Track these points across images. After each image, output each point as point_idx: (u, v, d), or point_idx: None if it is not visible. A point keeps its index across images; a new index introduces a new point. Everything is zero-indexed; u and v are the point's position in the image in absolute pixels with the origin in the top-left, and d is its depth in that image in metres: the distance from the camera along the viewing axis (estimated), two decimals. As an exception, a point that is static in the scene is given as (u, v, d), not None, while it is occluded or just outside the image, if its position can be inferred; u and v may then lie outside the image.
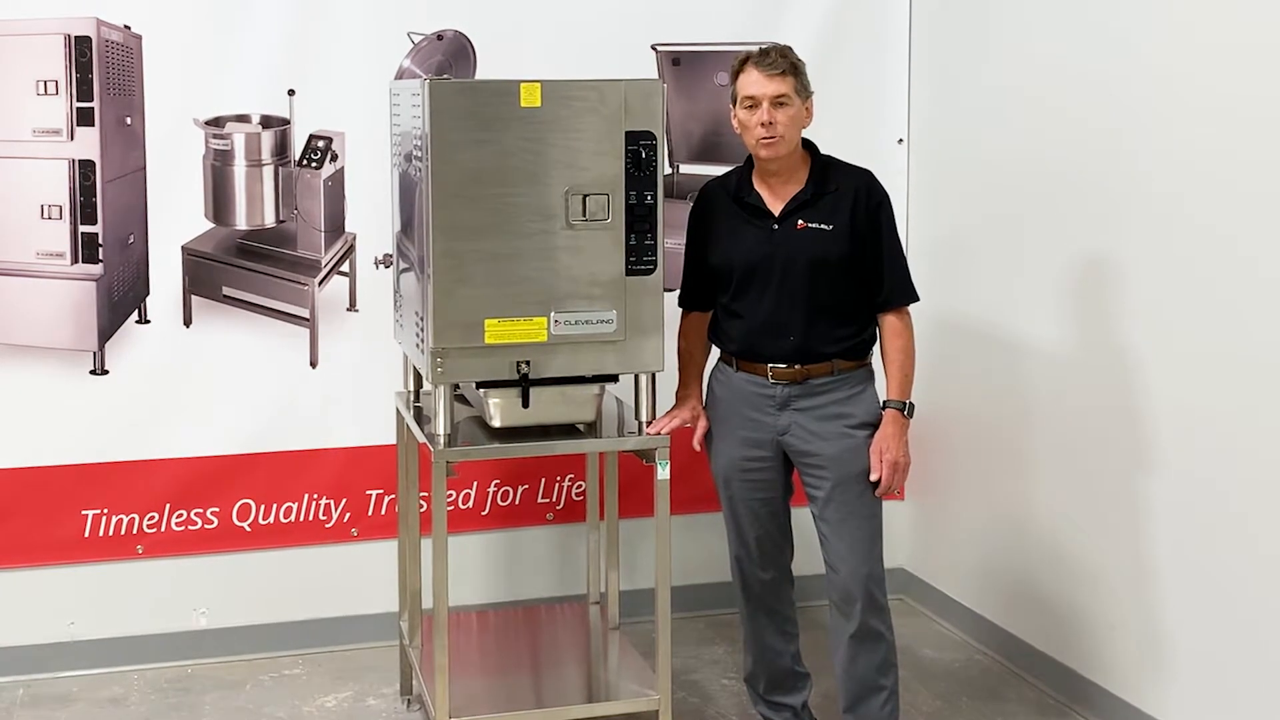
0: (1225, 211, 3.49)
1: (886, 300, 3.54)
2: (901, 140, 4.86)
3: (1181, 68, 3.62)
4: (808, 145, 3.57)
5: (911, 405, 3.55)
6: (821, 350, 3.52)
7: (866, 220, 3.50)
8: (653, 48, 4.61)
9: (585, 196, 3.41)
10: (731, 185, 3.60)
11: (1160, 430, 3.73)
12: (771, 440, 3.59)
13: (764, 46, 3.50)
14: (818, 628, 4.20)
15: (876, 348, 3.62)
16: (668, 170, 4.63)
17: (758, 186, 3.55)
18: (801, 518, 3.71)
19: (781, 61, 3.44)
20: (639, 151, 3.42)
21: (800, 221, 3.49)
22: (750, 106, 3.45)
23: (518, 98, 3.36)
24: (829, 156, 3.59)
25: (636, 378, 3.57)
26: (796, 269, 3.49)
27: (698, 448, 3.69)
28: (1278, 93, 3.31)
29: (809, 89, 3.50)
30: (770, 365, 3.54)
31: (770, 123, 3.42)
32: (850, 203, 3.50)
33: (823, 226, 3.48)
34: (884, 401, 3.55)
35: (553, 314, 3.42)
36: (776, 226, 3.51)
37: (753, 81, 3.45)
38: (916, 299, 3.58)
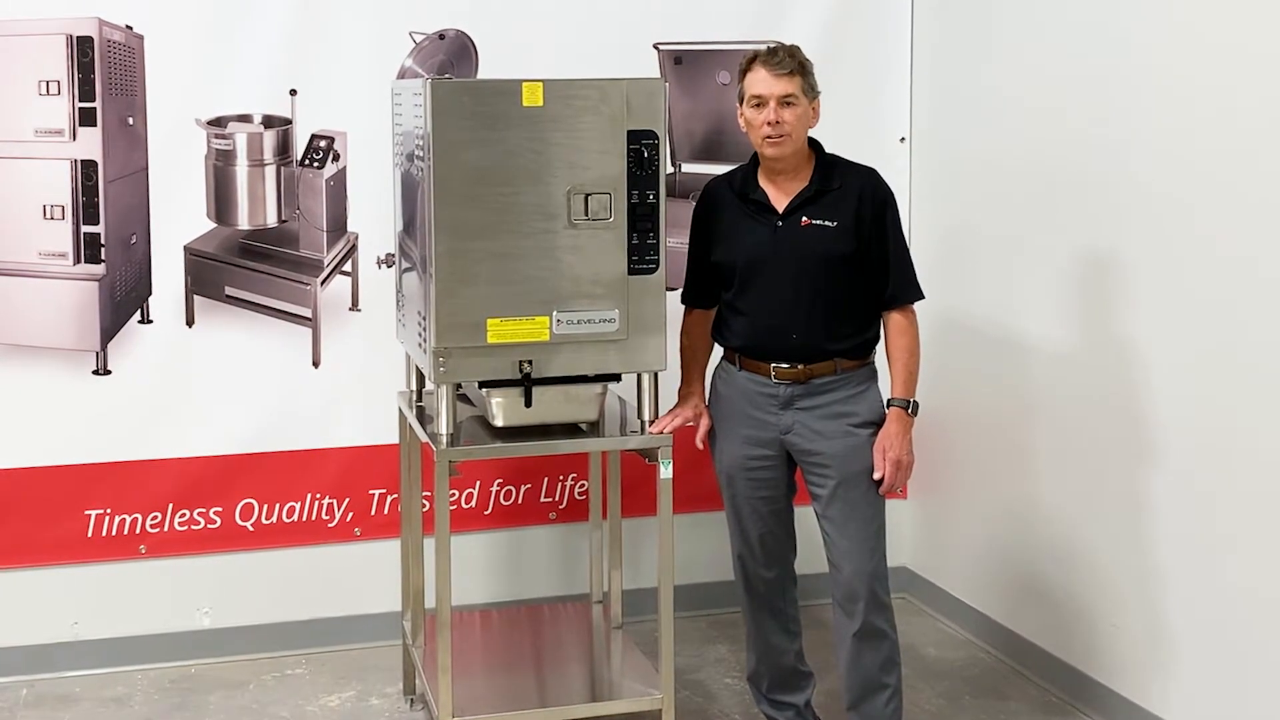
0: (1226, 210, 3.48)
1: (892, 298, 3.54)
2: (904, 139, 4.86)
3: (1183, 67, 3.62)
4: (813, 144, 3.57)
5: (916, 404, 3.54)
6: (825, 348, 3.52)
7: (871, 218, 3.50)
8: (655, 47, 4.61)
9: (587, 196, 3.41)
10: (736, 182, 3.60)
11: (1163, 428, 3.73)
12: (775, 439, 3.59)
13: (772, 45, 3.50)
14: (821, 626, 4.20)
15: (880, 346, 3.62)
16: (670, 169, 4.63)
17: (763, 184, 3.55)
18: (804, 516, 3.71)
19: (789, 61, 3.44)
20: (641, 151, 3.42)
21: (805, 218, 3.49)
22: (757, 105, 3.46)
23: (519, 97, 3.36)
24: (834, 155, 3.59)
25: (639, 377, 3.56)
26: (800, 266, 3.49)
27: (700, 446, 3.69)
28: (1278, 92, 3.32)
29: (816, 89, 3.50)
30: (773, 365, 3.54)
31: (777, 121, 3.43)
32: (855, 201, 3.50)
33: (826, 223, 3.48)
34: (888, 400, 3.55)
35: (555, 313, 3.42)
36: (781, 223, 3.51)
37: (760, 80, 3.45)
38: (921, 297, 3.58)
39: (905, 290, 3.55)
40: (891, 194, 3.56)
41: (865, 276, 3.52)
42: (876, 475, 3.50)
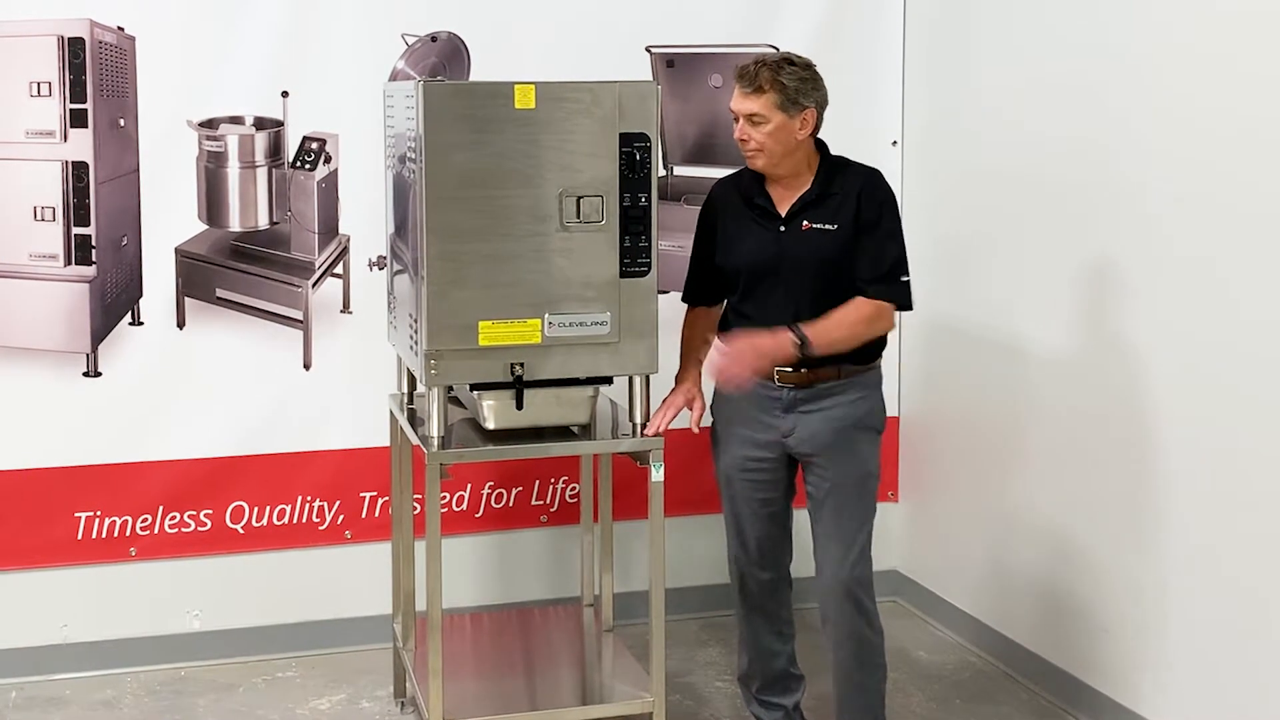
0: (1219, 214, 3.49)
1: (860, 288, 3.47)
2: (895, 143, 4.86)
3: (1174, 72, 3.63)
4: (820, 146, 3.55)
5: (807, 341, 3.41)
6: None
7: (869, 219, 3.48)
8: (647, 49, 4.61)
9: (579, 198, 3.41)
10: (743, 185, 3.59)
11: (1154, 431, 3.73)
12: (776, 442, 3.59)
13: (756, 59, 3.48)
14: (815, 629, 4.20)
15: (885, 353, 3.61)
16: (662, 172, 4.63)
17: (768, 188, 3.55)
18: (801, 520, 3.71)
19: (755, 79, 3.41)
20: (633, 153, 3.42)
21: (806, 222, 3.49)
22: (736, 119, 3.47)
23: (512, 99, 3.36)
24: (839, 157, 3.57)
25: (630, 380, 3.56)
26: (802, 270, 3.48)
27: (697, 431, 3.64)
28: (1271, 93, 3.32)
29: (800, 103, 3.42)
30: (777, 368, 3.54)
31: (745, 139, 3.44)
32: (855, 203, 3.48)
33: (827, 227, 3.48)
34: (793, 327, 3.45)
35: (547, 316, 3.42)
36: (783, 228, 3.51)
37: (733, 97, 3.47)
38: (895, 300, 3.49)
39: (877, 283, 3.46)
40: (891, 194, 3.54)
41: None
42: (715, 356, 3.41)
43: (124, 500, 4.37)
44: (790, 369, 3.53)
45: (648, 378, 3.56)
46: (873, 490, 3.57)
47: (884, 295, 3.50)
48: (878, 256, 3.50)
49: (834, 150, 3.62)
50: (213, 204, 4.38)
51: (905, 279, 3.53)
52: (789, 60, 3.47)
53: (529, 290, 3.41)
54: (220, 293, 4.41)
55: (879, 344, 3.59)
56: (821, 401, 3.54)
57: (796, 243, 3.49)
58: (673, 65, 4.65)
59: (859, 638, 3.58)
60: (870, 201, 3.50)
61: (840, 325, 3.47)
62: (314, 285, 4.46)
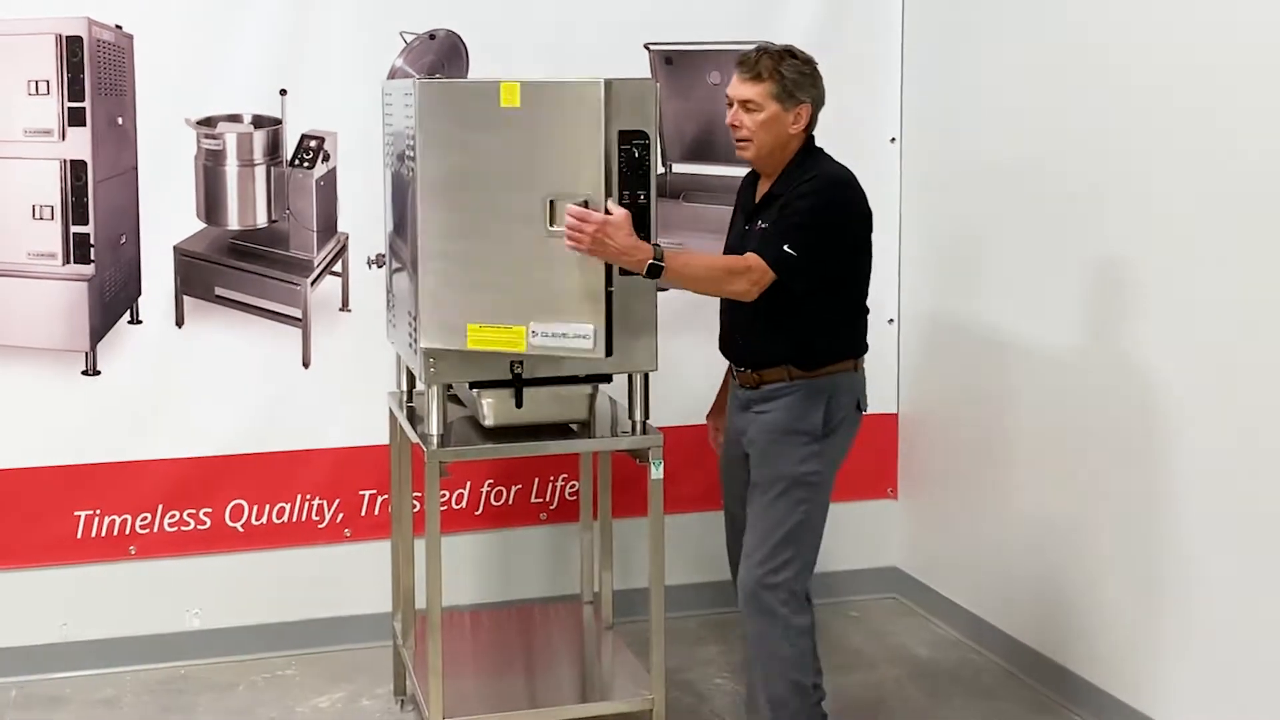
0: (1218, 212, 3.49)
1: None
2: (894, 139, 4.86)
3: (1176, 68, 3.63)
4: (807, 146, 3.50)
5: (660, 268, 3.27)
6: (767, 354, 3.47)
7: (784, 212, 3.39)
8: (646, 47, 4.61)
9: (560, 202, 3.38)
10: (749, 176, 3.62)
11: (1153, 427, 3.73)
12: (736, 440, 3.61)
13: (758, 47, 3.48)
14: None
15: (832, 357, 3.54)
16: (661, 170, 4.63)
17: (759, 182, 3.55)
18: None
19: (755, 66, 3.40)
20: (633, 151, 3.40)
21: (760, 222, 3.46)
22: (730, 105, 3.46)
23: (497, 98, 3.33)
24: (814, 159, 3.49)
25: (630, 377, 3.56)
26: None
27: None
28: (1272, 93, 3.32)
29: (796, 96, 3.41)
30: (735, 368, 3.57)
31: (736, 125, 3.43)
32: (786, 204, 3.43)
33: (764, 226, 3.43)
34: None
35: (531, 325, 3.32)
36: (748, 226, 3.51)
37: (732, 82, 3.46)
38: (768, 259, 3.32)
39: (759, 243, 3.36)
40: (828, 201, 3.39)
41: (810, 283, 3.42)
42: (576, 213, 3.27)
43: (123, 499, 4.37)
44: (741, 369, 3.53)
45: (647, 375, 3.56)
46: (798, 496, 3.45)
47: (758, 250, 3.36)
48: (773, 230, 3.38)
49: (832, 147, 3.56)
50: (211, 202, 4.38)
51: (788, 249, 3.32)
52: (791, 53, 3.45)
53: (516, 296, 3.34)
54: (219, 291, 4.40)
55: (823, 348, 3.48)
56: (770, 403, 3.49)
57: (749, 240, 3.44)
58: (671, 62, 4.65)
59: (759, 638, 3.49)
60: (793, 200, 3.38)
61: (702, 262, 3.41)
62: (313, 283, 4.46)
